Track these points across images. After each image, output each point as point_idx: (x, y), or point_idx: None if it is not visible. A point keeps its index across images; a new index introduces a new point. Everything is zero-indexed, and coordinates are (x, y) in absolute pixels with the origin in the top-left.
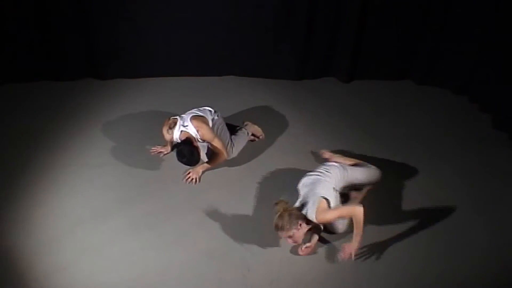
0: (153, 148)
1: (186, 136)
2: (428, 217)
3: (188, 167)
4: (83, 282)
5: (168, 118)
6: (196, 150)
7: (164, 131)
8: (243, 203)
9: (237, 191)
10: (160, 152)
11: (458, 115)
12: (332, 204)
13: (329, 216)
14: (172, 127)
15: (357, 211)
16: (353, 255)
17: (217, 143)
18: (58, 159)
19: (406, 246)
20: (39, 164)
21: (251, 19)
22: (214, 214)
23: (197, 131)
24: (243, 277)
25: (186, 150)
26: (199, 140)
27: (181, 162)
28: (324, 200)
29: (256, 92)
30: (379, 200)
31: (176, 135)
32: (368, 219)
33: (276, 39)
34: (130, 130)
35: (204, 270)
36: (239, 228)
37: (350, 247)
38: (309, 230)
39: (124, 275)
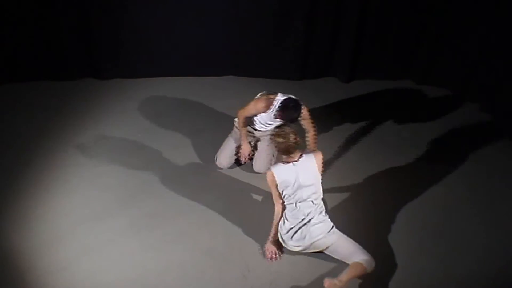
0: (240, 154)
1: None
2: (428, 217)
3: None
4: (83, 282)
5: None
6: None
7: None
8: (243, 203)
9: (237, 191)
10: (247, 155)
11: (458, 115)
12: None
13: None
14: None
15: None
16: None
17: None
18: (58, 159)
19: (406, 246)
20: (39, 164)
21: (251, 19)
22: (214, 214)
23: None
24: (243, 277)
25: (297, 104)
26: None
27: (290, 117)
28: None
29: (256, 92)
30: (379, 200)
31: (280, 100)
32: (368, 219)
33: (276, 39)
34: (130, 130)
35: (204, 270)
36: (239, 228)
37: (267, 248)
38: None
39: (124, 275)
